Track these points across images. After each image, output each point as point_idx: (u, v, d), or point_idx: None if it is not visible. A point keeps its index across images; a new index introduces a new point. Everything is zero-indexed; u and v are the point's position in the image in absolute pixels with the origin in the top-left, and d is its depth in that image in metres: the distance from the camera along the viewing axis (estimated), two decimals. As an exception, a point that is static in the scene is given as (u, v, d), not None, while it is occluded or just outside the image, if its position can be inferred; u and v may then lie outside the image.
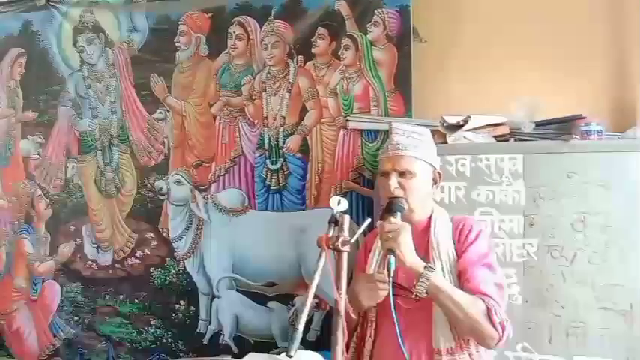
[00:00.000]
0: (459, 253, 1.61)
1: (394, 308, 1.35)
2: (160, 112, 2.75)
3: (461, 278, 1.58)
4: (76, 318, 2.91)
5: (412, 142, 1.67)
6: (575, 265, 1.94)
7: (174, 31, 2.70)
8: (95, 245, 2.87)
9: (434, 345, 1.56)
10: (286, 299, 2.52)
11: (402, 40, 2.36)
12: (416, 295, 1.50)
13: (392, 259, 1.47)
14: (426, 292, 1.50)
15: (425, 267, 1.51)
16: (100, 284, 2.85)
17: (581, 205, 1.94)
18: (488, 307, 1.51)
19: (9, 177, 3.11)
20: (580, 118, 2.03)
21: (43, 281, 2.99)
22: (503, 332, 1.51)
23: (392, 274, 1.43)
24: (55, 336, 2.96)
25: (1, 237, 3.12)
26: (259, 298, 2.56)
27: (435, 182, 1.71)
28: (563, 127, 2.06)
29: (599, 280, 1.91)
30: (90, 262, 2.88)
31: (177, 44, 2.71)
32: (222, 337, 2.61)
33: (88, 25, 2.89)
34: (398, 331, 1.28)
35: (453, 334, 1.56)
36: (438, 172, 1.73)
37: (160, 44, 2.75)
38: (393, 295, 1.39)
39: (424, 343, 1.57)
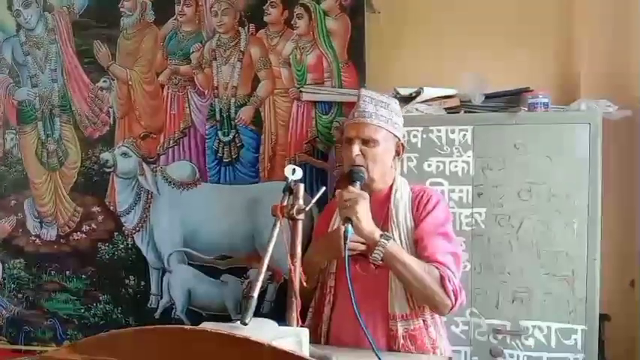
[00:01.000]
0: (417, 222, 1.64)
1: (349, 275, 1.36)
2: (105, 81, 2.62)
3: (417, 247, 1.61)
4: (19, 295, 2.79)
5: (378, 111, 1.67)
6: (522, 233, 2.00)
7: (119, -5, 2.57)
8: (38, 220, 2.74)
9: (389, 311, 1.60)
10: (240, 272, 2.50)
11: (356, 10, 2.33)
12: (373, 263, 1.52)
13: (349, 227, 1.48)
14: (382, 260, 1.52)
15: (381, 235, 1.52)
16: (45, 260, 2.74)
17: (527, 175, 2.00)
18: (442, 276, 1.54)
19: (-59, 149, 2.92)
20: (527, 90, 2.08)
21: (-17, 258, 2.85)
22: (456, 300, 1.56)
23: (348, 242, 1.44)
24: (-3, 314, 2.84)
25: None
26: (212, 272, 2.53)
27: (397, 153, 1.73)
28: (511, 100, 2.10)
29: (544, 247, 1.99)
30: (33, 238, 2.75)
31: (121, 9, 2.58)
32: (174, 311, 2.58)
33: (25, -13, 2.70)
34: (352, 296, 1.29)
35: (408, 300, 1.60)
36: (402, 144, 1.73)
37: (103, 9, 2.61)
38: (348, 262, 1.40)
39: (380, 310, 1.60)
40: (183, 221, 2.57)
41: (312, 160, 2.41)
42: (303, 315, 1.46)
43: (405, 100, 2.10)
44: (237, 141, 2.49)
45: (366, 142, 1.65)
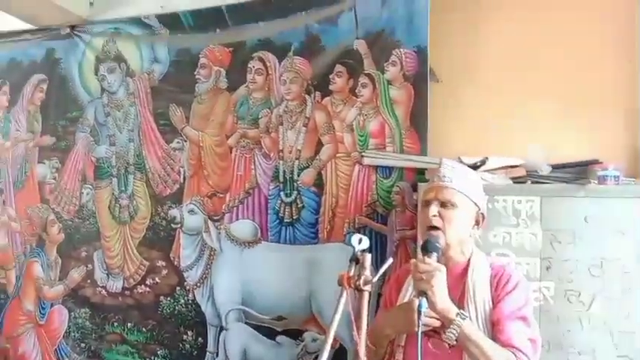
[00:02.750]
0: (495, 302, 1.55)
1: (421, 352, 1.31)
2: (178, 142, 2.78)
3: (494, 328, 1.53)
4: (82, 345, 2.89)
5: (459, 177, 1.63)
6: (593, 310, 1.91)
7: (195, 64, 2.75)
8: (106, 272, 2.87)
9: None
10: (295, 334, 2.50)
11: (419, 79, 2.39)
12: (446, 342, 1.46)
13: (423, 301, 1.43)
14: (456, 340, 1.46)
15: (457, 314, 1.47)
16: (109, 311, 2.84)
17: (598, 250, 1.93)
18: None
19: (23, 200, 3.14)
20: (597, 162, 2.04)
21: (52, 306, 2.99)
22: None
23: (422, 317, 1.39)
24: (60, 362, 2.93)
25: (12, 260, 3.13)
26: (268, 333, 2.54)
27: (477, 223, 1.66)
28: (579, 171, 2.06)
29: (617, 327, 1.88)
30: (99, 289, 2.87)
31: (197, 76, 2.76)
32: (229, 369, 2.58)
33: (110, 55, 2.95)
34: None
35: None
36: (482, 214, 1.67)
37: (180, 76, 2.80)
38: (421, 338, 1.35)
39: None
40: (243, 280, 2.61)
41: (371, 223, 2.42)
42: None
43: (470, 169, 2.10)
44: (299, 202, 2.55)
45: (444, 204, 1.60)
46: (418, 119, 2.37)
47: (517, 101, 2.38)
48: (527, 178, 2.11)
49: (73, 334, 2.92)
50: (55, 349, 2.95)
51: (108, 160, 2.93)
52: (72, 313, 2.93)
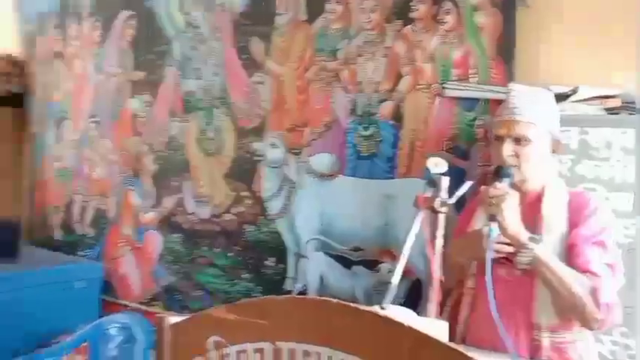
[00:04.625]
0: (572, 227, 1.51)
1: (490, 277, 1.31)
2: (259, 76, 2.82)
3: (570, 253, 1.49)
4: (175, 266, 3.13)
5: (531, 106, 1.57)
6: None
7: (275, -5, 2.74)
8: (195, 200, 3.05)
9: (534, 320, 1.51)
10: (371, 265, 2.54)
11: (507, 4, 2.22)
12: (518, 267, 1.45)
13: (494, 226, 1.42)
14: (528, 265, 1.44)
15: (529, 238, 1.45)
16: (198, 237, 3.04)
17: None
18: (594, 287, 1.42)
19: (118, 132, 3.37)
20: None
21: (147, 230, 3.24)
22: (608, 315, 1.43)
23: (491, 242, 1.39)
24: (155, 282, 3.21)
25: (111, 188, 3.42)
26: (344, 262, 2.61)
27: (553, 151, 1.62)
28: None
29: None
30: (189, 216, 3.07)
31: (276, 9, 2.75)
32: (307, 295, 2.70)
33: (194, -11, 3.01)
34: (492, 300, 1.26)
35: (556, 311, 1.50)
36: (559, 141, 1.62)
37: (260, 8, 2.81)
38: (490, 264, 1.35)
39: (524, 318, 1.52)
40: (321, 211, 2.68)
41: (452, 158, 2.36)
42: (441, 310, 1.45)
43: (560, 98, 1.97)
44: (377, 136, 2.53)
45: (517, 140, 1.56)
46: (505, 47, 2.23)
47: (614, 26, 2.16)
48: (622, 109, 1.95)
49: (166, 256, 3.17)
50: (151, 270, 3.23)
51: (195, 94, 3.04)
52: (165, 238, 3.17)
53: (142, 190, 3.26)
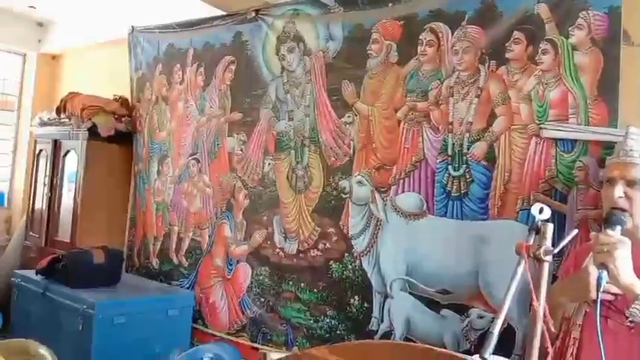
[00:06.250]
0: None
1: (599, 320, 1.23)
2: (349, 116, 2.90)
3: None
4: (262, 299, 3.21)
5: None
6: None
7: (367, 39, 2.83)
8: (283, 235, 3.14)
9: None
10: (460, 309, 2.47)
11: (610, 43, 2.15)
12: (629, 320, 1.36)
13: (603, 273, 1.34)
14: None
15: None
16: (285, 271, 3.11)
17: None
18: None
19: (215, 169, 3.57)
20: None
21: (237, 262, 3.36)
22: None
23: (601, 292, 1.31)
24: (243, 313, 3.30)
25: (206, 220, 3.60)
26: (431, 305, 2.55)
27: None
28: None
29: None
30: (278, 250, 3.16)
31: (368, 51, 2.84)
32: (392, 336, 2.65)
33: (290, 35, 3.18)
34: (602, 351, 1.18)
35: None
36: None
37: (352, 52, 2.91)
38: (600, 313, 1.27)
39: None
40: (408, 250, 2.65)
41: (549, 201, 2.26)
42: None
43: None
44: (468, 176, 2.49)
45: (631, 183, 1.50)
46: (607, 87, 2.15)
47: None
48: None
49: (254, 289, 3.26)
50: (239, 301, 3.33)
51: (287, 134, 3.18)
52: (254, 271, 3.27)
53: (234, 224, 3.40)
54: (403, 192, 2.69)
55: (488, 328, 2.32)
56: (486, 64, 2.46)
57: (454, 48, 2.55)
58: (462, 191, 2.50)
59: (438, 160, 2.59)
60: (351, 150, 2.89)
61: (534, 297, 1.21)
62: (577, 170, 2.20)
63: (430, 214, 2.59)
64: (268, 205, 3.23)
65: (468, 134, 2.50)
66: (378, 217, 2.76)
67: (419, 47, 2.66)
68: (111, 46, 4.82)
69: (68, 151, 4.37)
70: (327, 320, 2.91)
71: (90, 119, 4.11)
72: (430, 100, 2.62)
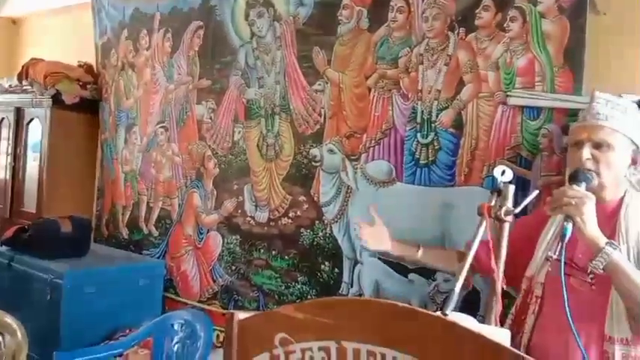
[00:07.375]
0: None
1: (564, 278, 1.28)
2: (319, 84, 2.88)
3: None
4: (233, 267, 3.23)
5: (614, 114, 1.53)
6: None
7: (338, 5, 2.79)
8: (254, 203, 3.14)
9: (605, 331, 1.46)
10: (427, 273, 2.52)
11: (577, 11, 2.17)
12: (590, 275, 1.40)
13: (568, 225, 1.37)
14: (603, 269, 1.38)
15: (607, 242, 1.39)
16: (256, 239, 3.12)
17: None
18: None
19: (184, 137, 3.52)
20: None
21: (208, 231, 3.36)
22: None
23: (564, 245, 1.35)
24: (214, 281, 3.32)
25: (175, 190, 3.56)
26: (400, 269, 2.60)
27: (633, 162, 1.57)
28: None
29: None
30: (248, 219, 3.16)
31: (339, 17, 2.80)
32: (363, 301, 2.72)
33: (260, 0, 3.11)
34: (567, 308, 1.22)
35: (631, 324, 1.44)
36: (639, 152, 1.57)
37: (323, 18, 2.87)
38: (564, 269, 1.31)
39: (595, 329, 1.47)
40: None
41: (514, 167, 2.31)
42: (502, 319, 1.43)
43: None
44: (436, 143, 2.52)
45: (598, 145, 1.52)
46: (573, 55, 2.17)
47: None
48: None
49: (225, 257, 3.27)
50: (210, 270, 3.34)
51: (257, 102, 3.14)
52: (225, 239, 3.28)
53: (205, 193, 3.38)
54: (373, 160, 2.71)
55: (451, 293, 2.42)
56: (456, 32, 2.46)
57: (424, 15, 2.54)
58: (430, 159, 2.53)
59: (407, 128, 2.60)
60: (322, 118, 2.88)
61: (493, 257, 1.25)
62: (542, 137, 2.24)
63: (399, 181, 2.62)
64: (239, 174, 3.22)
65: (436, 102, 2.51)
66: (348, 185, 2.78)
67: (389, 14, 2.64)
68: (75, 10, 4.63)
69: (32, 119, 4.25)
70: (299, 286, 2.94)
71: (54, 86, 3.99)
72: (400, 67, 2.61)
